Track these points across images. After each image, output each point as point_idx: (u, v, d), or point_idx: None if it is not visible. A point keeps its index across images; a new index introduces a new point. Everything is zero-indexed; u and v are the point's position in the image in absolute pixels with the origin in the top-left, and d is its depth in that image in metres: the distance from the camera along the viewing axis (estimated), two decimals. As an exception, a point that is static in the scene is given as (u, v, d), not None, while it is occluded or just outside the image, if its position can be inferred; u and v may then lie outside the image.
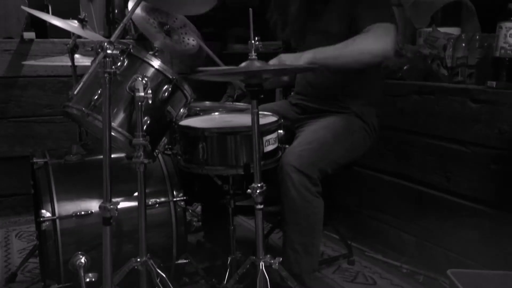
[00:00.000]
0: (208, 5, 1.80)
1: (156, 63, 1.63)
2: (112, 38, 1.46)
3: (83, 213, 1.78)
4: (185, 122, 1.82)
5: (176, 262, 1.94)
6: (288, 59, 1.82)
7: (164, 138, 1.74)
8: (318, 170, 1.81)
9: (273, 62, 1.80)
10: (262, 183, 1.56)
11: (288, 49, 2.43)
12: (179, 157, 1.82)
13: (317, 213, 1.84)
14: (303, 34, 2.12)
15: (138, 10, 2.04)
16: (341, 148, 1.93)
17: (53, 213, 1.75)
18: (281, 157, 1.80)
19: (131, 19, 1.76)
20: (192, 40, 2.18)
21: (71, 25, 2.00)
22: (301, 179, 1.76)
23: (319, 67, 1.77)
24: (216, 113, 2.05)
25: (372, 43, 1.83)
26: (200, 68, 1.65)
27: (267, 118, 1.85)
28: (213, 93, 2.66)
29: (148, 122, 1.60)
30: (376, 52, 1.84)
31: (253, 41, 1.55)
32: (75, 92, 1.50)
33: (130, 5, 1.65)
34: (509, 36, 1.91)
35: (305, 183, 1.77)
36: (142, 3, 1.87)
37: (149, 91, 1.54)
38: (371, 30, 1.83)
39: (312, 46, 1.88)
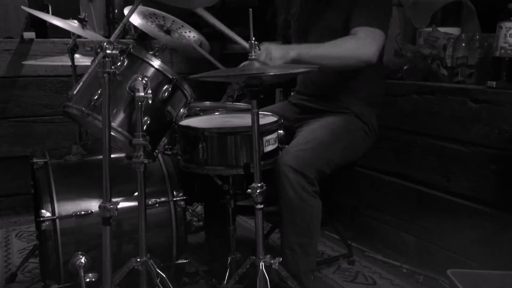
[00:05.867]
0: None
1: (156, 63, 1.63)
2: (112, 38, 1.46)
3: (83, 213, 1.78)
4: (185, 122, 1.82)
5: (176, 262, 1.93)
6: (277, 53, 1.75)
7: (164, 138, 1.74)
8: (315, 170, 1.81)
9: (262, 55, 1.72)
10: (262, 183, 1.56)
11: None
12: (179, 157, 1.82)
13: (315, 212, 1.83)
14: (305, 33, 2.12)
15: (135, 17, 2.07)
16: (339, 148, 1.92)
17: (53, 213, 1.75)
18: (278, 157, 1.80)
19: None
20: (192, 34, 2.20)
21: (71, 25, 2.00)
22: (298, 178, 1.76)
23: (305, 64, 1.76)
24: (216, 113, 2.05)
25: (358, 48, 1.85)
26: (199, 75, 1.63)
27: (267, 118, 1.85)
28: (213, 93, 2.66)
29: (148, 122, 1.60)
30: (360, 57, 1.85)
31: (253, 41, 1.55)
32: (75, 92, 1.50)
33: (126, 11, 1.65)
34: (509, 36, 1.91)
35: (302, 182, 1.77)
36: (138, 9, 1.90)
37: (149, 91, 1.54)
38: (358, 33, 1.85)
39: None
